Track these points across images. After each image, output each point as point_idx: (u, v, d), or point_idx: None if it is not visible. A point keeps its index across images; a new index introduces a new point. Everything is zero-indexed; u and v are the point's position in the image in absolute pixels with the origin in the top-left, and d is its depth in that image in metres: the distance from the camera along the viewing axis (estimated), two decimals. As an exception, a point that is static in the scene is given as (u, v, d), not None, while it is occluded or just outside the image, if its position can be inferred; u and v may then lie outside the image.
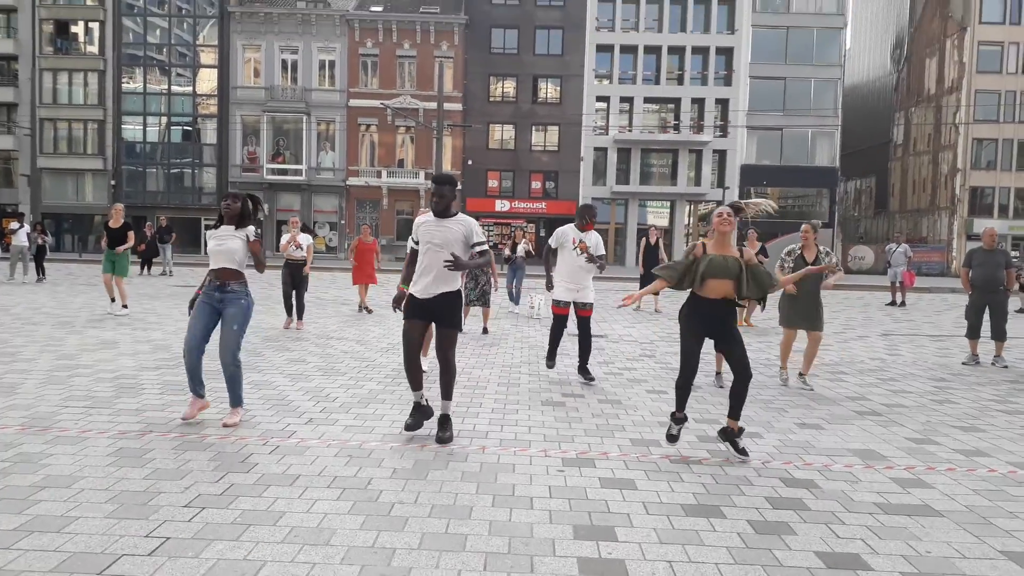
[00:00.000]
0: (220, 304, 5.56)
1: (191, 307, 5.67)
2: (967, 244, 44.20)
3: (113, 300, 12.58)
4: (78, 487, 4.13)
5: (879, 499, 4.39)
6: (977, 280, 9.81)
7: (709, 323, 5.14)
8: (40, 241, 20.83)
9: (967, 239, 44.82)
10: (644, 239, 16.55)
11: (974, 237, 43.73)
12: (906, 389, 7.90)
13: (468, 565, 3.33)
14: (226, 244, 5.57)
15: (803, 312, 7.82)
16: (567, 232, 7.81)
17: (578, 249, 7.64)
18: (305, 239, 11.84)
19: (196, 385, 5.60)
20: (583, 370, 7.86)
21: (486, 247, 5.51)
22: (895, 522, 4.04)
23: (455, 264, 5.09)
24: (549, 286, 8.12)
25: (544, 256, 8.31)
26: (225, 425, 5.51)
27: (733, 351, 5.06)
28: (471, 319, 12.70)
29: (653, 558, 3.48)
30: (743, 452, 5.11)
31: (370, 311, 14.03)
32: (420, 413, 5.49)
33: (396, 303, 5.47)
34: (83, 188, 44.90)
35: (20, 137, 44.26)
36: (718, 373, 7.89)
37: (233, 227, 5.66)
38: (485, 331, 11.59)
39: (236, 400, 5.68)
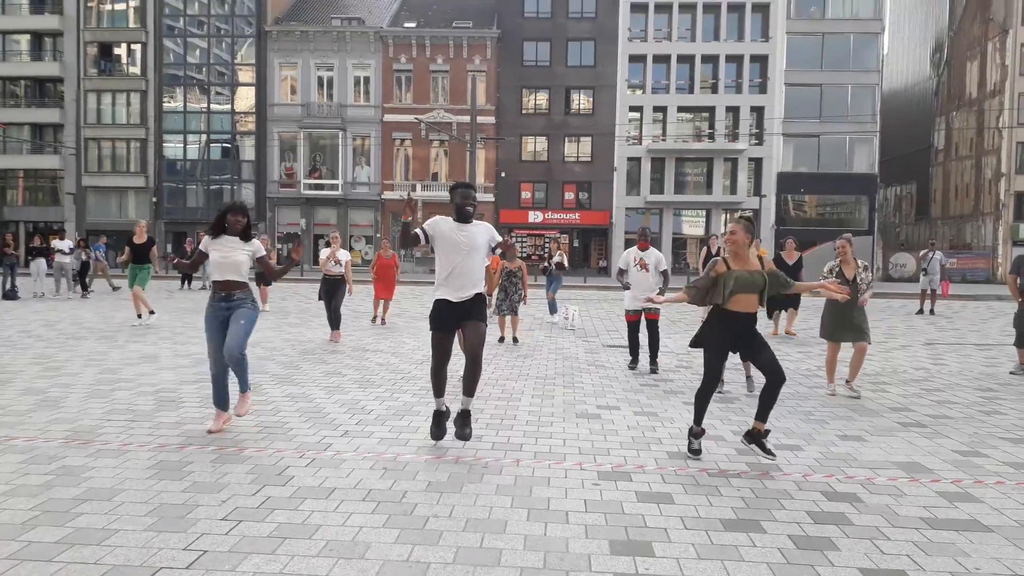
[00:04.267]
0: (227, 312, 5.71)
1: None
2: (1012, 250, 43.04)
3: (140, 316, 12.99)
4: (119, 500, 4.19)
5: (925, 514, 4.27)
6: (1025, 287, 9.53)
7: (737, 337, 5.18)
8: (84, 257, 21.32)
9: (1012, 245, 43.64)
10: (705, 247, 16.40)
11: (1020, 243, 42.60)
12: (952, 400, 7.69)
13: (503, 580, 3.30)
14: (232, 257, 5.70)
15: (847, 324, 7.70)
16: (629, 253, 9.19)
17: (638, 266, 9.03)
18: (344, 255, 11.97)
19: (221, 399, 5.80)
20: (652, 362, 9.10)
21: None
22: (942, 537, 3.92)
23: (509, 248, 5.56)
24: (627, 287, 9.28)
25: (617, 276, 9.50)
26: (239, 415, 5.87)
27: (762, 356, 5.07)
28: (495, 327, 12.68)
29: (691, 574, 3.41)
30: (770, 452, 5.09)
31: (384, 323, 14.15)
32: (443, 420, 5.57)
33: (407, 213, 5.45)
34: (126, 205, 45.91)
35: (66, 157, 45.44)
36: (749, 377, 7.85)
37: (238, 239, 5.77)
38: (515, 340, 11.66)
39: (246, 385, 5.89)
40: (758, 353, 5.10)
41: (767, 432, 5.15)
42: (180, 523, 3.87)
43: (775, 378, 5.01)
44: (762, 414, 5.10)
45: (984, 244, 46.18)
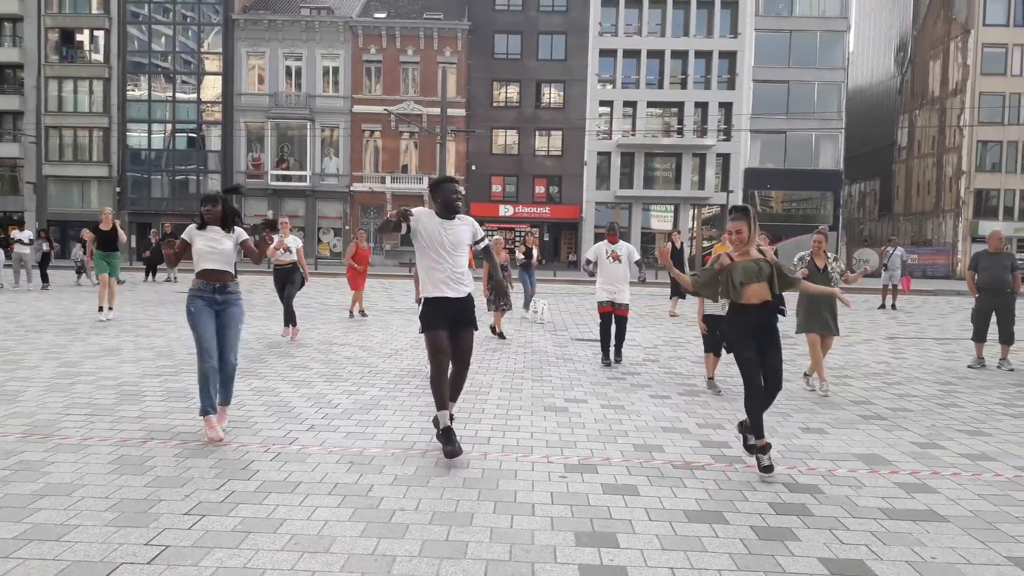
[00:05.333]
0: (221, 306, 5.50)
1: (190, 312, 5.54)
2: (972, 246, 44.00)
3: (101, 308, 12.59)
4: (79, 495, 4.12)
5: (884, 504, 4.36)
6: (983, 283, 9.76)
7: (759, 331, 4.92)
8: (45, 248, 20.88)
9: (972, 241, 44.62)
10: (669, 243, 16.52)
11: (979, 240, 43.49)
12: (911, 393, 7.86)
13: (469, 572, 3.31)
14: (219, 246, 5.50)
15: (819, 317, 7.79)
16: (600, 246, 9.39)
17: (611, 258, 9.22)
18: (294, 241, 11.10)
19: (209, 400, 5.36)
20: (617, 354, 9.36)
21: (487, 241, 5.49)
22: (900, 527, 4.00)
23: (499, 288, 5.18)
24: (592, 274, 9.54)
25: (584, 265, 9.78)
26: (217, 437, 5.38)
27: (772, 357, 4.91)
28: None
29: (655, 564, 3.45)
30: (767, 469, 4.79)
31: (364, 314, 14.05)
32: (453, 435, 4.99)
33: (395, 218, 5.07)
34: (88, 195, 45.01)
35: (25, 145, 44.41)
36: (710, 378, 7.83)
37: (220, 228, 5.57)
38: (502, 335, 11.57)
39: (229, 398, 5.68)
40: (771, 352, 4.91)
41: (768, 446, 4.86)
42: (142, 518, 3.82)
43: (775, 384, 4.91)
44: (757, 428, 4.92)
45: (944, 240, 47.18)
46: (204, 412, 5.35)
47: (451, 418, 5.20)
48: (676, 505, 4.25)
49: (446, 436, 4.98)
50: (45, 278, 20.13)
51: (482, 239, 5.41)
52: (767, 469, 4.78)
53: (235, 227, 5.63)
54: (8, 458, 4.75)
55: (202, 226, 5.55)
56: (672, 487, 4.57)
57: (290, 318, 10.93)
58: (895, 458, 5.34)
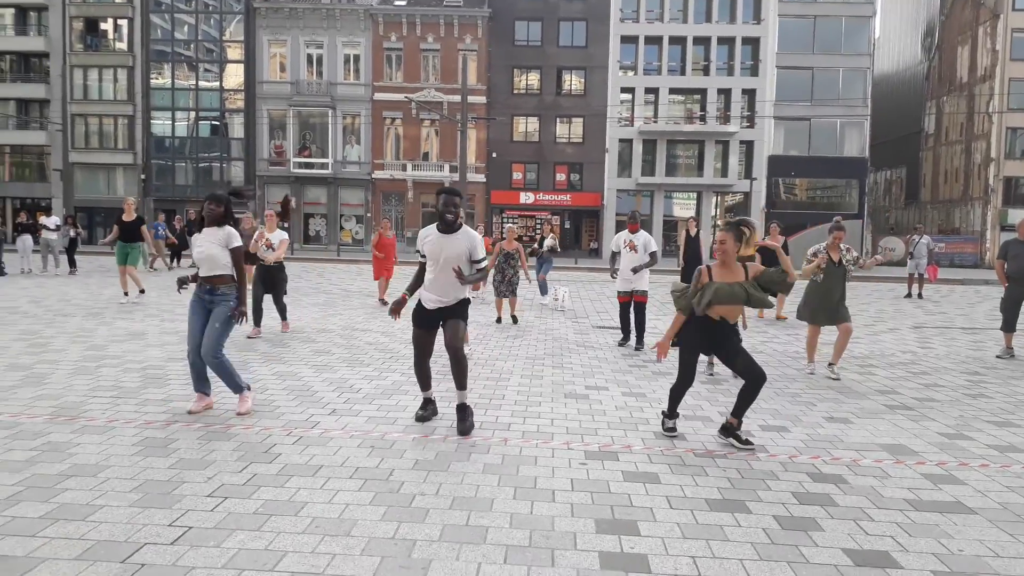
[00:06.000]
0: (210, 305, 5.64)
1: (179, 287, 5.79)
2: (1001, 235, 43.26)
3: (127, 294, 12.88)
4: (103, 476, 4.17)
5: (910, 495, 4.30)
6: (1013, 272, 9.58)
7: (711, 341, 5.26)
8: (72, 234, 21.13)
9: (1001, 230, 43.85)
10: (685, 231, 16.39)
11: (1008, 228, 42.76)
12: (938, 383, 7.74)
13: (488, 558, 3.31)
14: (206, 251, 5.58)
15: (825, 308, 7.81)
16: (621, 236, 9.59)
17: (628, 247, 9.40)
18: (278, 236, 9.97)
19: (200, 384, 5.70)
20: (639, 341, 9.51)
21: (485, 263, 5.51)
22: (926, 519, 3.94)
23: (460, 278, 5.23)
24: (613, 276, 9.79)
25: (610, 259, 9.92)
26: (239, 414, 5.58)
27: (737, 362, 5.12)
28: (492, 309, 12.67)
29: (676, 553, 3.43)
30: (747, 443, 5.13)
31: (386, 303, 14.10)
32: (431, 407, 5.67)
33: (395, 308, 5.40)
34: (114, 182, 45.46)
35: (52, 132, 44.91)
36: (710, 362, 7.88)
37: (216, 229, 5.64)
38: (514, 319, 11.74)
39: (236, 388, 5.72)
40: (733, 359, 5.13)
41: (739, 424, 5.21)
42: (165, 499, 3.85)
43: (754, 381, 5.05)
44: (738, 410, 5.15)
45: (973, 229, 46.41)
46: (194, 388, 5.72)
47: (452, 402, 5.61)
48: (697, 494, 4.22)
49: (423, 404, 5.66)
50: (72, 263, 20.38)
51: (480, 260, 5.43)
52: (670, 431, 5.42)
53: (226, 228, 5.68)
54: (35, 439, 4.81)
55: (200, 227, 5.69)
56: (694, 475, 4.53)
57: (283, 311, 10.20)
58: (922, 449, 5.26)
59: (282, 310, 10.19)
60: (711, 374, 7.76)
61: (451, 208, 5.27)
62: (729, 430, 5.21)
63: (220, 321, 5.60)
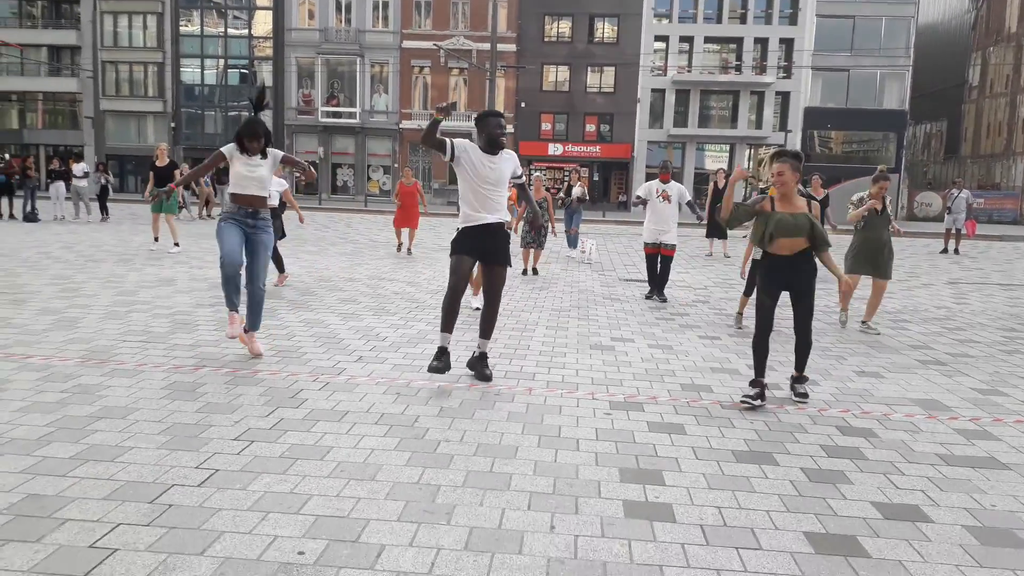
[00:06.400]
0: (252, 230, 5.62)
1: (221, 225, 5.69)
2: (1043, 191, 42.06)
3: (157, 239, 12.82)
4: (132, 419, 4.22)
5: (942, 450, 4.21)
6: (1055, 227, 9.29)
7: (787, 278, 4.96)
8: (103, 181, 21.33)
9: (1043, 186, 42.64)
10: (713, 183, 16.09)
11: (1051, 184, 41.55)
12: (973, 339, 7.58)
13: (512, 504, 3.30)
14: (258, 172, 5.56)
15: (870, 258, 7.64)
16: (652, 184, 9.35)
17: (660, 197, 9.21)
18: (279, 184, 9.29)
19: (236, 296, 5.64)
20: (660, 292, 9.43)
21: (523, 179, 5.57)
22: (958, 474, 3.87)
23: (534, 221, 5.33)
24: (636, 201, 9.59)
25: (633, 200, 9.77)
26: (252, 352, 5.70)
27: (798, 306, 4.97)
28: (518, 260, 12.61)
29: (701, 503, 3.39)
30: (802, 396, 5.07)
31: (410, 253, 14.08)
32: (446, 358, 5.17)
33: (442, 110, 5.02)
34: (144, 130, 45.70)
35: (84, 80, 45.09)
36: (739, 313, 7.83)
37: (260, 156, 5.61)
38: (535, 272, 11.64)
39: (258, 323, 5.82)
40: (796, 301, 4.97)
41: (805, 379, 5.18)
42: (193, 442, 3.89)
43: (801, 337, 5.00)
44: (799, 364, 5.15)
45: (1014, 184, 45.12)
46: (231, 307, 5.62)
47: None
48: (724, 445, 4.18)
49: (439, 354, 5.17)
50: (104, 210, 20.61)
51: (520, 175, 5.50)
52: (750, 401, 4.90)
53: (269, 150, 5.67)
54: (67, 381, 4.89)
55: (242, 151, 5.57)
56: (720, 427, 4.49)
57: (279, 264, 9.59)
58: (955, 404, 5.16)
59: (278, 261, 9.49)
60: (740, 327, 7.67)
61: (501, 129, 5.27)
62: (795, 380, 5.18)
63: (269, 250, 5.70)
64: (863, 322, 7.82)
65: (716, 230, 15.61)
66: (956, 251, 18.71)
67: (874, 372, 6.01)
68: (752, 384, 4.99)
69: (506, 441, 4.09)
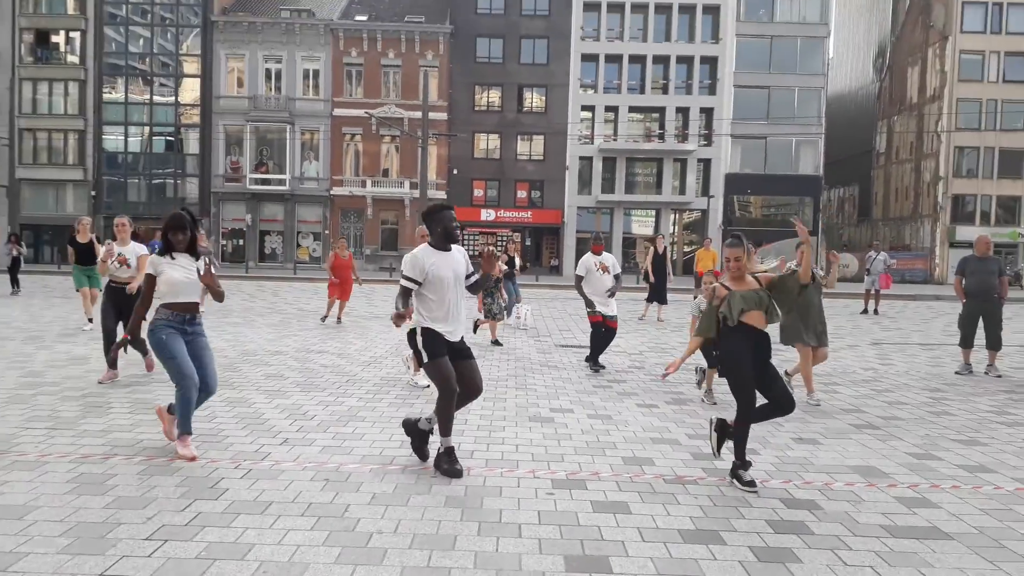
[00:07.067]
0: (191, 336, 5.15)
1: (119, 348, 5.36)
2: (950, 251, 44.38)
3: (91, 320, 11.98)
4: (31, 519, 3.84)
5: (885, 521, 4.17)
6: (971, 288, 9.66)
7: (756, 351, 4.80)
8: (15, 253, 20.37)
9: (950, 246, 45.01)
10: (652, 248, 16.33)
11: (957, 244, 43.90)
12: (902, 400, 7.71)
13: (451, 603, 3.07)
14: (192, 275, 5.09)
15: (813, 327, 7.54)
16: (588, 259, 9.32)
17: (600, 269, 9.22)
18: (134, 251, 8.11)
19: (190, 423, 5.08)
20: (595, 360, 9.25)
21: (477, 276, 5.18)
22: (904, 547, 3.81)
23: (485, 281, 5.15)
24: (591, 307, 9.24)
25: (577, 284, 9.36)
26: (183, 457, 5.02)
27: (775, 387, 4.78)
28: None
29: (650, 592, 3.23)
30: (750, 484, 4.70)
31: (339, 321, 13.79)
32: (455, 455, 4.87)
33: (400, 319, 4.78)
34: (63, 199, 44.25)
35: (-2, 147, 43.63)
36: (708, 390, 7.57)
37: (187, 256, 5.17)
38: (497, 342, 11.34)
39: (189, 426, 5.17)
40: (772, 383, 4.77)
41: (749, 464, 4.82)
42: (99, 544, 3.55)
43: (788, 408, 4.80)
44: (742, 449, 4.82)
45: (923, 245, 47.52)
46: (188, 430, 5.06)
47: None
48: (670, 524, 4.04)
49: (448, 455, 4.81)
50: (15, 283, 19.63)
51: (472, 273, 5.12)
52: (749, 484, 4.67)
53: (199, 254, 5.22)
54: (-42, 477, 4.45)
55: (170, 254, 5.13)
56: (664, 504, 4.36)
57: (143, 346, 8.02)
58: (892, 470, 5.16)
59: (142, 343, 7.96)
60: (714, 403, 7.34)
61: (457, 222, 4.97)
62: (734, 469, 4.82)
63: (210, 350, 5.29)
64: (785, 372, 7.69)
65: (656, 294, 15.79)
66: (876, 311, 19.37)
67: (811, 439, 6.01)
68: (746, 468, 4.76)
69: (444, 530, 3.87)
